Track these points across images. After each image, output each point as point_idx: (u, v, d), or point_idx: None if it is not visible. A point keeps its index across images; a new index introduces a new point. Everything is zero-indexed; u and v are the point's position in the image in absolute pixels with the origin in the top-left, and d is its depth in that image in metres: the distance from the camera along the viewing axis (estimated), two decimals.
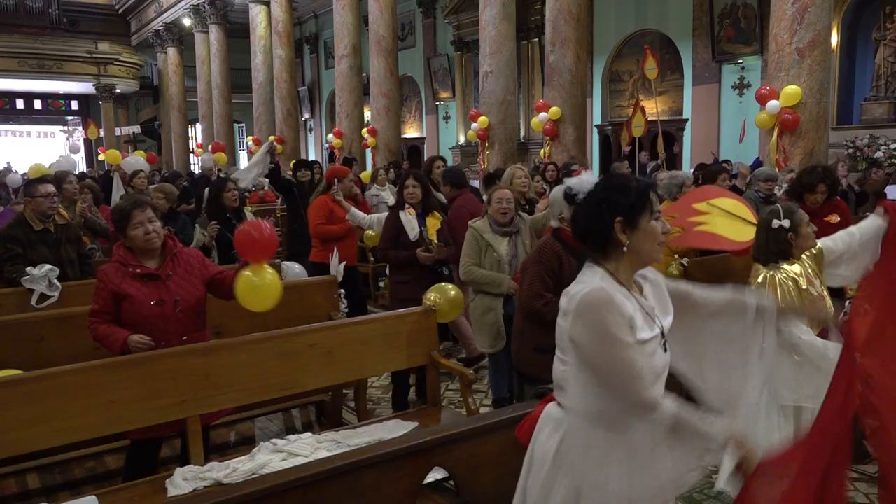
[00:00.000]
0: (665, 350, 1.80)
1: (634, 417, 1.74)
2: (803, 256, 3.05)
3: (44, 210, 4.38)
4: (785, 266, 2.98)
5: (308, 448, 2.92)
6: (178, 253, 3.11)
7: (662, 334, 1.80)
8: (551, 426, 1.87)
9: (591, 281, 1.77)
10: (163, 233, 3.05)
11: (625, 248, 1.78)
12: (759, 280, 2.98)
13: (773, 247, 3.00)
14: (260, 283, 2.97)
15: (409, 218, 4.60)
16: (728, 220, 3.98)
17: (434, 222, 4.68)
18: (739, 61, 11.97)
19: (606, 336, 1.70)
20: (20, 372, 3.05)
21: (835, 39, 10.05)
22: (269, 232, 3.01)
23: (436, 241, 4.58)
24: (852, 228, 3.09)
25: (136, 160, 8.55)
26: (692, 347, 2.01)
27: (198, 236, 5.11)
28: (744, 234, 3.82)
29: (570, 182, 1.93)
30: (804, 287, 2.91)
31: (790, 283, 2.91)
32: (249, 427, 4.32)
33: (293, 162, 8.50)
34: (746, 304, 2.05)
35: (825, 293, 2.99)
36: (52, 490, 3.56)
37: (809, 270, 3.01)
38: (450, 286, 4.05)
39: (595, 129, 14.31)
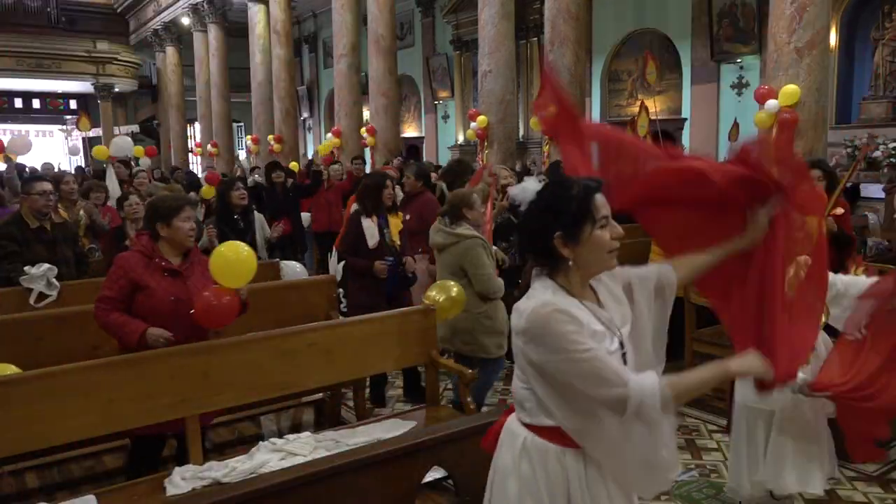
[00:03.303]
0: (625, 363, 1.69)
1: (592, 429, 1.64)
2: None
3: (39, 208, 4.36)
4: None
5: (307, 447, 2.92)
6: (198, 255, 3.15)
7: (622, 345, 1.70)
8: (510, 441, 1.78)
9: (541, 296, 1.67)
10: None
11: (570, 263, 1.68)
12: None
13: None
14: (234, 259, 3.01)
15: (369, 224, 4.42)
16: None
17: (396, 222, 4.56)
18: (738, 60, 11.96)
19: (564, 352, 1.59)
20: (16, 368, 3.03)
21: (833, 39, 10.04)
22: (228, 301, 2.99)
23: (398, 243, 4.49)
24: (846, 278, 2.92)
25: (123, 141, 8.56)
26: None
27: (204, 238, 5.11)
28: None
29: (512, 191, 1.84)
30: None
31: None
32: (248, 426, 4.32)
33: (266, 164, 8.50)
34: None
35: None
36: (50, 489, 3.56)
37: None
38: (452, 283, 3.90)
39: None
